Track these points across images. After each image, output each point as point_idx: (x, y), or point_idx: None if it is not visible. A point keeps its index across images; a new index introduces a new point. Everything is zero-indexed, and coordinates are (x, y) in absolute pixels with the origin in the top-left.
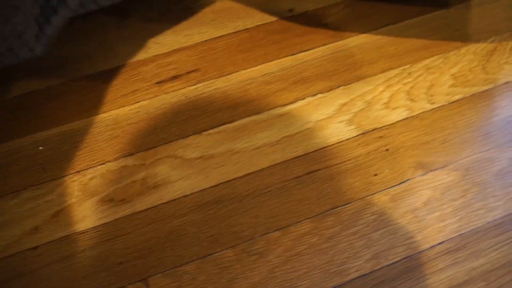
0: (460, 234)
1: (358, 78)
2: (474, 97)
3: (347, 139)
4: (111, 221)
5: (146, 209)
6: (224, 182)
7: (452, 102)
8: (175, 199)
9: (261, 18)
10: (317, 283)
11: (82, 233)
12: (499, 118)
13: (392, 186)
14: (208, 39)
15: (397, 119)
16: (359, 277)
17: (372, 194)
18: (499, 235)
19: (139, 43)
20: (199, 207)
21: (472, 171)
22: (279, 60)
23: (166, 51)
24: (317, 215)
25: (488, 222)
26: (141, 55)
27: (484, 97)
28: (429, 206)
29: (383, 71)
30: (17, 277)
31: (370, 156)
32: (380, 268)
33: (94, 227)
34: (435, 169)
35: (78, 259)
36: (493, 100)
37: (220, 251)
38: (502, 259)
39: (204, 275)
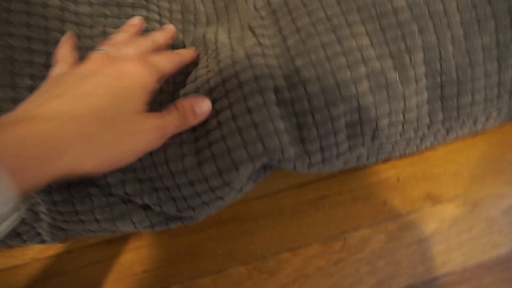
0: (464, 268)
1: None
2: (489, 131)
3: (360, 168)
4: (137, 233)
5: None
6: (242, 202)
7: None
8: None
9: None
10: None
11: (111, 241)
12: None
13: (400, 216)
14: None
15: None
16: None
17: (380, 223)
18: (503, 271)
19: None
20: (218, 224)
21: (480, 205)
22: None
23: None
24: (326, 239)
25: (493, 258)
26: None
27: (499, 132)
28: (435, 238)
29: None
30: (53, 276)
31: (381, 185)
32: None
33: (121, 236)
34: (444, 202)
35: (107, 265)
36: (508, 135)
37: (234, 267)
38: None
39: None
